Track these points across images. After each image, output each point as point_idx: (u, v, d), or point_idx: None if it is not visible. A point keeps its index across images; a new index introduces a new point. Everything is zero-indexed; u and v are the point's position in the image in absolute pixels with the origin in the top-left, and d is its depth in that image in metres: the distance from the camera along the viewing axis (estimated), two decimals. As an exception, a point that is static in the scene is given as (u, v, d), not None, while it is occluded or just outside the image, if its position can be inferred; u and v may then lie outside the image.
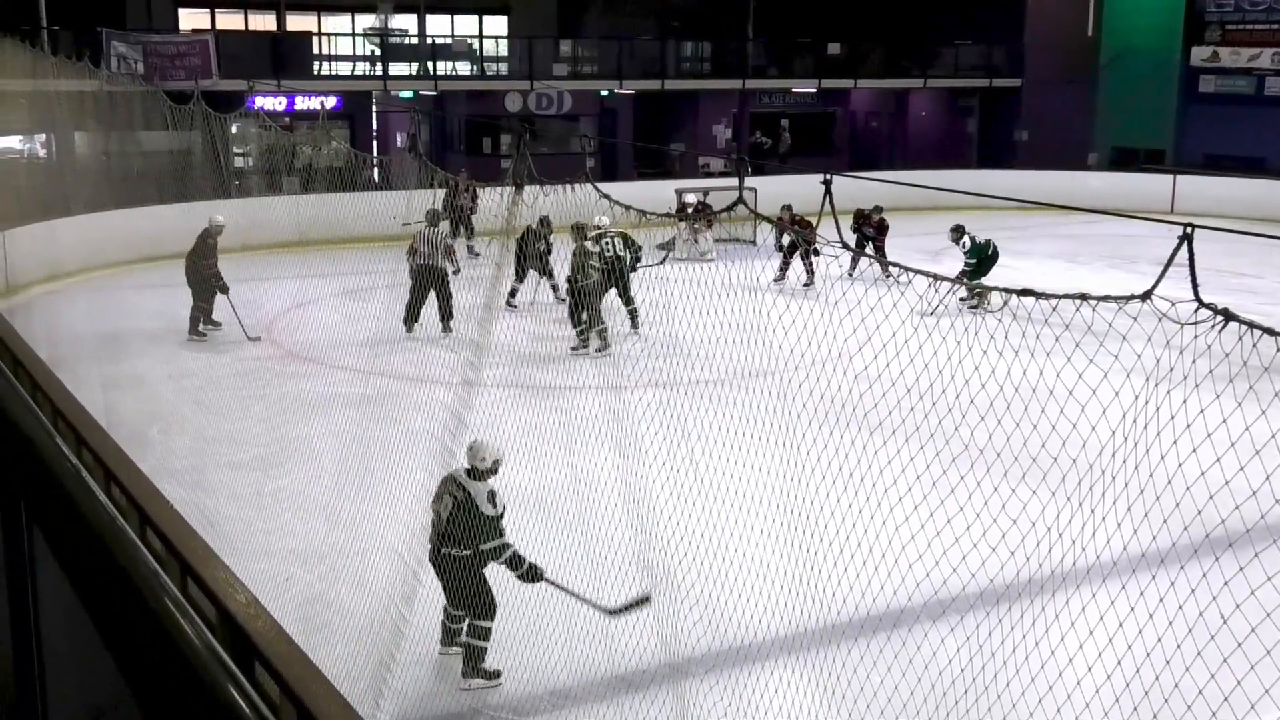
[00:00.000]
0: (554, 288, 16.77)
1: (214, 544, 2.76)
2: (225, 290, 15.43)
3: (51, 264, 18.31)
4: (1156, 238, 7.04)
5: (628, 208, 8.11)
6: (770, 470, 7.83)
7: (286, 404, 13.21)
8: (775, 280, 18.68)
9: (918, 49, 34.88)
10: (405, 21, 32.41)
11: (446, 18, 33.23)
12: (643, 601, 7.51)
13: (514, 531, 8.75)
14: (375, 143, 31.78)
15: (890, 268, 9.27)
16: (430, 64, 30.06)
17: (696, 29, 34.40)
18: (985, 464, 6.89)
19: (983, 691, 6.10)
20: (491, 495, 7.42)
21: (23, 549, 2.14)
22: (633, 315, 15.98)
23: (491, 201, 11.45)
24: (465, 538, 7.33)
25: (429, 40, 31.15)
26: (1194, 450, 5.78)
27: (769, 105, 35.28)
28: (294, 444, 11.56)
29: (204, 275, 15.44)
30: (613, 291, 15.86)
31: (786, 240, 19.01)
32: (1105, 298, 5.39)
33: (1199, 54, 32.93)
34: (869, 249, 19.24)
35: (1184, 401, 5.78)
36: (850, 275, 16.50)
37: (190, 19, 30.41)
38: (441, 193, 18.72)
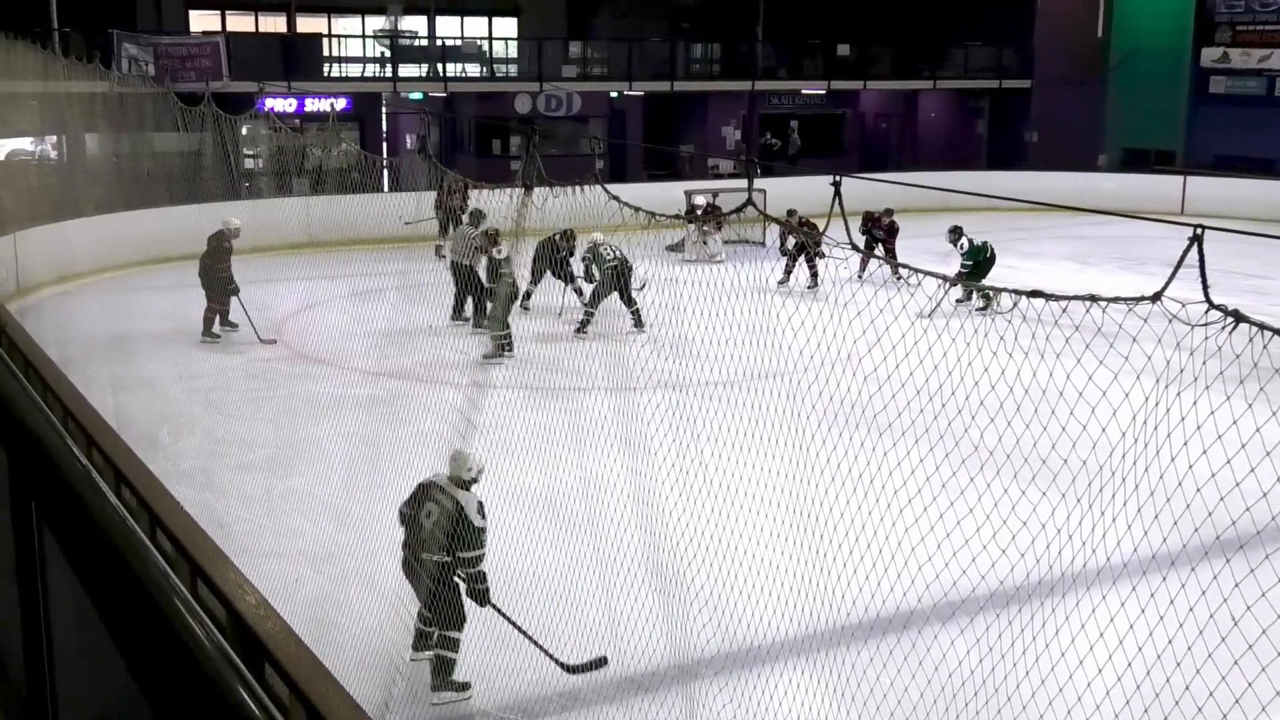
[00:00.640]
0: (577, 291, 16.78)
1: (224, 545, 2.77)
2: (236, 293, 15.46)
3: (62, 265, 18.37)
4: (1166, 239, 7.02)
5: (637, 209, 8.10)
6: (780, 472, 7.82)
7: (296, 405, 13.23)
8: (780, 283, 18.67)
9: (927, 50, 34.83)
10: (415, 23, 32.43)
11: (456, 19, 33.25)
12: (600, 663, 7.46)
13: (524, 533, 8.77)
14: (385, 144, 31.81)
15: (899, 269, 9.26)
16: (440, 65, 30.10)
17: (706, 30, 34.38)
18: (995, 466, 6.88)
19: (993, 693, 6.09)
20: (480, 506, 7.42)
21: (33, 549, 2.15)
22: (635, 315, 16.16)
23: (501, 203, 11.44)
24: (447, 546, 7.29)
25: (439, 42, 31.17)
26: (1204, 452, 5.76)
27: (778, 107, 35.25)
28: (304, 445, 11.58)
29: (218, 278, 15.47)
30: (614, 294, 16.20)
31: (791, 243, 19.02)
32: (1115, 299, 5.37)
33: (1209, 55, 32.84)
34: (878, 251, 19.22)
35: (1194, 403, 5.77)
36: (860, 278, 16.50)
37: (201, 20, 30.45)
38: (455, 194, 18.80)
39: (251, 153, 26.23)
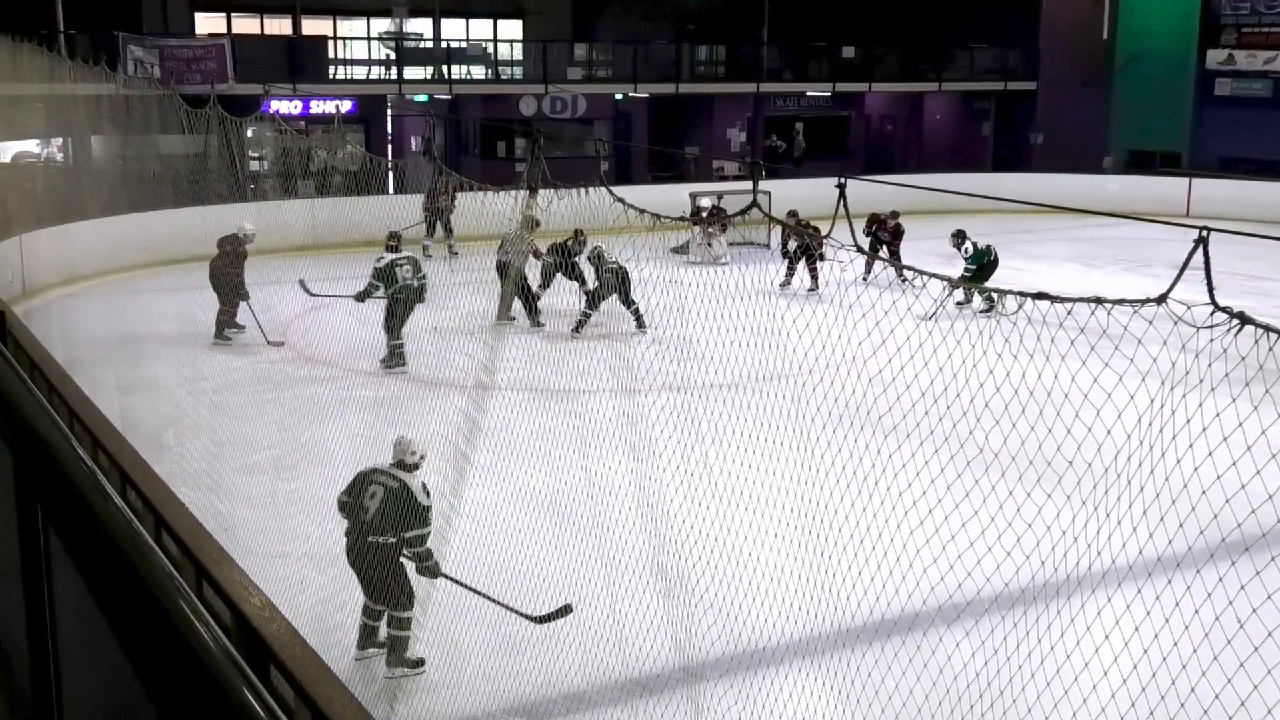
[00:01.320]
0: (586, 293, 16.78)
1: (229, 547, 2.77)
2: (246, 298, 15.48)
3: (68, 267, 18.39)
4: (1172, 241, 7.02)
5: (641, 211, 8.10)
6: (784, 474, 7.82)
7: (301, 407, 13.24)
8: (782, 285, 18.64)
9: (932, 52, 34.81)
10: (420, 25, 32.46)
11: (461, 21, 33.28)
12: (565, 611, 7.61)
13: (528, 534, 8.77)
14: (390, 146, 31.83)
15: (905, 272, 9.25)
16: (445, 68, 30.12)
17: (711, 32, 34.38)
18: (1000, 468, 6.88)
19: (998, 696, 6.09)
20: (424, 486, 7.60)
21: (39, 551, 2.15)
22: (637, 316, 16.24)
23: (505, 205, 11.45)
24: (392, 526, 7.44)
25: (444, 44, 31.20)
26: (1209, 454, 5.76)
27: (783, 109, 35.25)
28: (309, 447, 11.59)
29: (230, 283, 15.48)
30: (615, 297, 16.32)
31: (792, 246, 19.01)
32: (1120, 301, 5.37)
33: (1214, 57, 32.80)
34: (883, 253, 19.19)
35: (1199, 405, 5.76)
36: (864, 280, 16.46)
37: (206, 23, 30.50)
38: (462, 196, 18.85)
39: (257, 155, 26.24)
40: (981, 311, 16.61)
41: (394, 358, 14.51)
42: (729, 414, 9.20)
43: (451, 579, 7.62)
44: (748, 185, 21.91)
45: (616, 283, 16.13)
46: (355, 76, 30.60)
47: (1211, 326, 4.84)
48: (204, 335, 15.78)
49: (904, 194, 16.91)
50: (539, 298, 16.93)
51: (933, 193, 16.93)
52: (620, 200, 8.25)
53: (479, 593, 7.62)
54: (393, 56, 30.68)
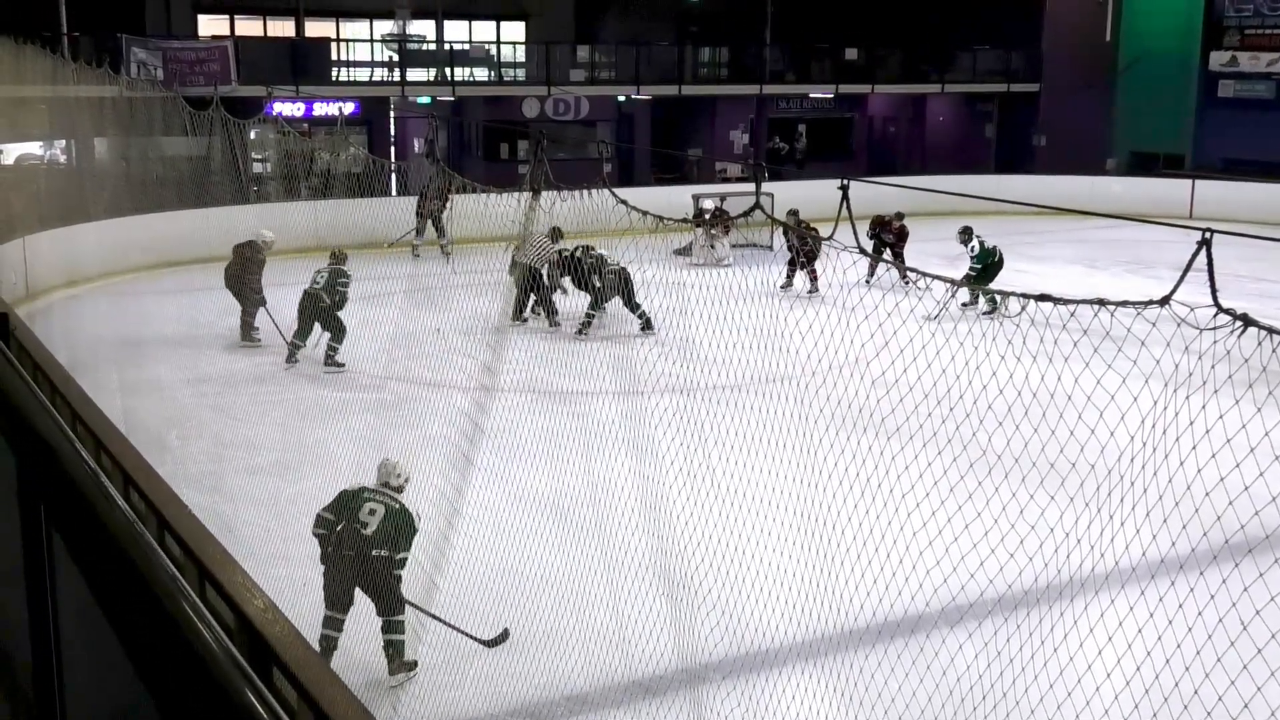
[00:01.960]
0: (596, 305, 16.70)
1: (232, 549, 2.77)
2: (263, 304, 15.46)
3: (71, 269, 18.41)
4: (1175, 242, 7.02)
5: (644, 213, 8.11)
6: (787, 475, 7.82)
7: (304, 409, 13.24)
8: (783, 287, 18.61)
9: (935, 54, 34.81)
10: (423, 27, 32.48)
11: (464, 23, 33.30)
12: (504, 636, 7.85)
13: (531, 536, 8.77)
14: (393, 148, 31.86)
15: (907, 274, 9.25)
16: (448, 70, 30.14)
17: (714, 34, 34.38)
18: (1003, 469, 6.87)
19: (1001, 697, 6.08)
20: (418, 512, 7.81)
21: (42, 553, 2.15)
22: (643, 318, 16.27)
23: (508, 207, 11.44)
24: (389, 542, 7.59)
25: (447, 46, 31.22)
26: (1213, 455, 5.75)
27: (786, 110, 35.27)
28: (311, 449, 11.59)
29: (248, 289, 15.45)
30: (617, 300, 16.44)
31: (779, 244, 19.01)
32: (1123, 303, 5.37)
33: (1217, 58, 32.78)
34: (886, 255, 19.17)
35: (1203, 407, 5.76)
36: (868, 282, 16.44)
37: (209, 25, 30.53)
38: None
39: (260, 157, 26.27)
40: (985, 313, 16.59)
41: (291, 358, 14.77)
42: (732, 416, 9.20)
43: (411, 604, 7.77)
44: (750, 187, 21.91)
45: (619, 284, 16.16)
46: (358, 78, 30.62)
47: (1214, 328, 4.84)
48: (207, 337, 15.79)
49: (907, 196, 16.90)
50: (553, 294, 16.91)
51: (936, 194, 16.92)
52: (623, 202, 8.25)
53: (432, 615, 7.79)
54: (395, 58, 30.71)
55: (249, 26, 31.12)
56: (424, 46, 32.01)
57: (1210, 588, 5.83)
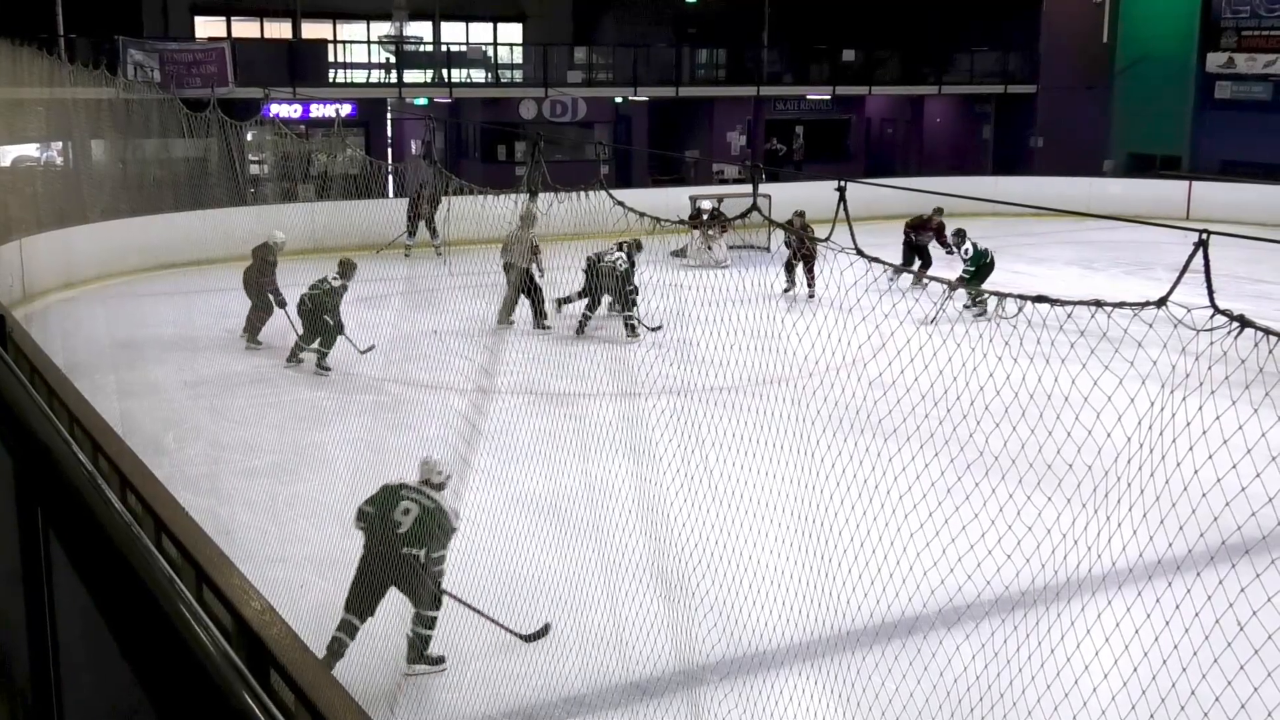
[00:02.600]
0: (630, 325, 16.36)
1: (229, 551, 2.77)
2: (283, 305, 15.40)
3: (68, 271, 18.40)
4: (1172, 244, 7.02)
5: (641, 214, 8.11)
6: (785, 477, 7.82)
7: (301, 411, 13.24)
8: (784, 291, 18.55)
9: (933, 55, 34.85)
10: (420, 29, 32.48)
11: (461, 25, 33.29)
12: (545, 630, 7.83)
13: (529, 538, 8.77)
14: (390, 150, 31.85)
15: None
16: (445, 71, 30.15)
17: (711, 36, 34.41)
18: (1000, 470, 6.88)
19: (998, 699, 6.09)
20: (455, 510, 7.75)
21: (39, 555, 2.15)
22: (627, 324, 16.25)
23: (505, 209, 11.45)
24: (421, 541, 7.57)
25: (444, 47, 31.22)
26: (1210, 457, 5.76)
27: (784, 112, 35.29)
28: (309, 451, 11.58)
29: (263, 291, 15.44)
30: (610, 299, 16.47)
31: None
32: (1120, 304, 5.38)
33: (1215, 60, 32.82)
34: (898, 261, 18.90)
35: (1199, 408, 5.77)
36: (906, 289, 16.17)
37: (206, 27, 30.52)
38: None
39: (257, 159, 26.28)
40: (977, 316, 16.49)
41: (293, 357, 14.87)
42: (729, 417, 9.20)
43: (451, 595, 7.72)
44: (748, 189, 21.84)
45: (614, 283, 16.09)
46: (355, 80, 30.64)
47: (1211, 329, 4.84)
48: (203, 339, 15.77)
49: (905, 197, 16.91)
50: (570, 300, 16.79)
51: (933, 196, 16.93)
52: (620, 204, 8.25)
53: (473, 609, 7.72)
54: (393, 60, 30.72)
55: (246, 28, 31.10)
56: (421, 48, 32.02)
57: (1207, 589, 5.84)
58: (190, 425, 12.72)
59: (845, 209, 6.52)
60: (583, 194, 8.77)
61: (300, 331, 14.73)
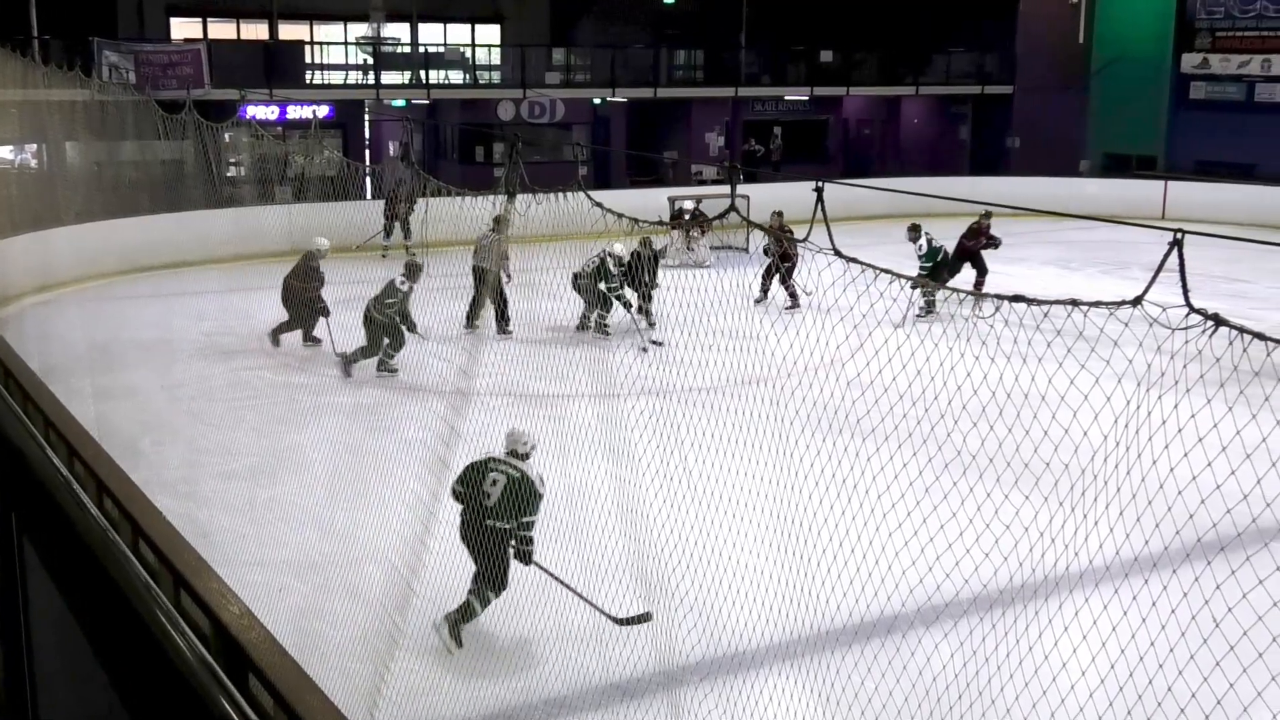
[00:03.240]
0: (645, 316, 16.31)
1: (207, 555, 2.76)
2: (327, 314, 15.20)
3: (43, 274, 18.28)
4: (1149, 243, 7.05)
5: (620, 215, 8.10)
6: (764, 477, 7.83)
7: (279, 414, 13.18)
8: (756, 302, 18.04)
9: (910, 56, 34.95)
10: (398, 30, 32.40)
11: (439, 26, 33.23)
12: (645, 618, 7.80)
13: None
14: (368, 151, 31.76)
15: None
16: (423, 72, 30.08)
17: (689, 37, 34.45)
18: (978, 470, 6.90)
19: (977, 697, 6.11)
20: (540, 476, 8.18)
21: (14, 561, 2.14)
22: (598, 322, 16.37)
23: (483, 210, 11.43)
24: (511, 512, 7.99)
25: (421, 49, 31.16)
26: (1185, 455, 5.79)
27: (762, 113, 35.34)
28: (287, 454, 11.54)
29: (306, 299, 15.24)
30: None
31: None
32: (1096, 303, 5.39)
33: (1189, 61, 33.00)
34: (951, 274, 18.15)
35: (1175, 406, 5.80)
36: (928, 312, 15.80)
37: (182, 28, 30.37)
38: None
39: (234, 160, 26.18)
40: (920, 315, 15.10)
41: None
42: (708, 418, 9.20)
43: (542, 568, 8.08)
44: (726, 189, 21.94)
45: (592, 283, 16.05)
46: (332, 81, 30.53)
47: (1186, 328, 4.87)
48: (181, 342, 15.67)
49: (882, 197, 16.92)
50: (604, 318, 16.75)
51: (910, 196, 16.93)
52: (598, 204, 8.24)
53: (565, 584, 8.00)
54: (370, 61, 30.62)
55: (222, 29, 30.98)
56: (398, 49, 31.94)
57: (1183, 585, 5.87)
58: (168, 429, 12.66)
59: (823, 209, 6.53)
60: (561, 195, 8.76)
61: (360, 345, 14.42)
